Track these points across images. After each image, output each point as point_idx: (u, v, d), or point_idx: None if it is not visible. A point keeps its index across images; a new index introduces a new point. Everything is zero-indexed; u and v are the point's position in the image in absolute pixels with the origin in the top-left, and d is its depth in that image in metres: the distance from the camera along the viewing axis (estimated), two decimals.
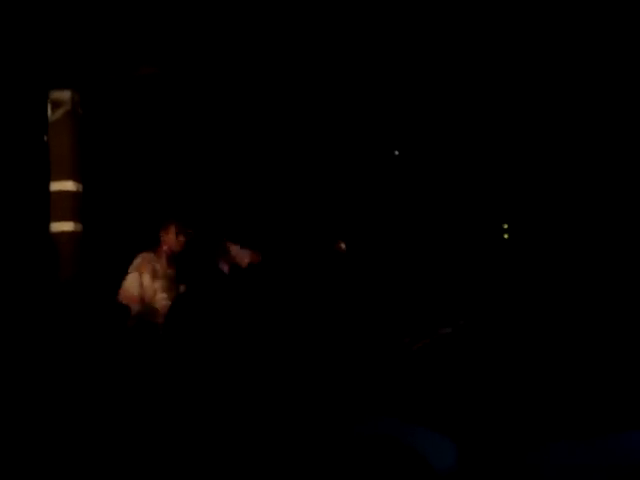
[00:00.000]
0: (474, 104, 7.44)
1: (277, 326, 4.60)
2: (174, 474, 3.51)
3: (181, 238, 5.29)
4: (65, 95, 5.91)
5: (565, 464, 3.51)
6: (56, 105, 5.89)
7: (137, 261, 5.21)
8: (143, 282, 5.17)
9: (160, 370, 3.93)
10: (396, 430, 3.73)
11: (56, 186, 5.82)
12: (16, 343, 4.38)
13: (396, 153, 8.07)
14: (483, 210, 9.04)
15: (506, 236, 9.32)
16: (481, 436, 3.65)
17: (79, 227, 5.85)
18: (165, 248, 5.28)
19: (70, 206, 5.82)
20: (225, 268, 5.04)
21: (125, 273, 5.17)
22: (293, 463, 3.69)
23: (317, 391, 4.09)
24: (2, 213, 6.30)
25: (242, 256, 5.21)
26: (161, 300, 5.15)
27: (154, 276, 5.21)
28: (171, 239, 5.28)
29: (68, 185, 5.82)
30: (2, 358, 4.27)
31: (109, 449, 3.55)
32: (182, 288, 5.14)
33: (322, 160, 7.86)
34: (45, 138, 5.94)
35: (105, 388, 4.08)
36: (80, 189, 5.89)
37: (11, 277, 5.14)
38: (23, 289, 5.00)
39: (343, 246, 6.14)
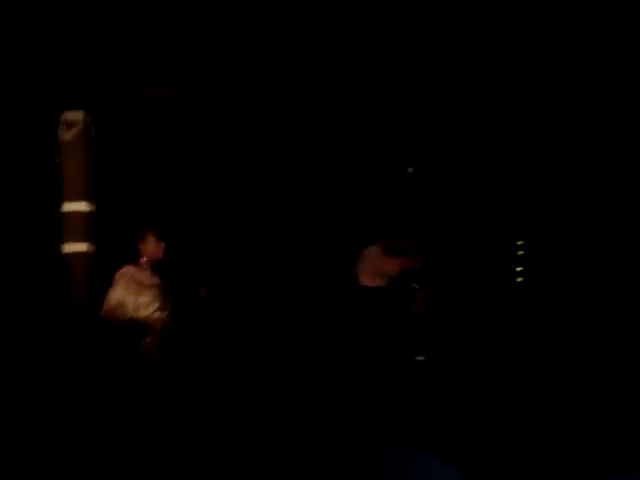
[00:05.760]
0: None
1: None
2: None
3: (162, 245, 5.12)
4: (77, 116, 5.91)
5: None
6: (68, 126, 5.89)
7: (118, 276, 5.03)
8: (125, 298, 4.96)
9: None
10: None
11: (69, 207, 5.82)
12: (26, 362, 4.32)
13: (410, 170, 8.00)
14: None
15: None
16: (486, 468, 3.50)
17: (92, 248, 5.83)
18: (145, 259, 5.10)
19: (83, 227, 5.81)
20: None
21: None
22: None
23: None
24: (15, 233, 6.27)
25: None
26: (153, 313, 4.95)
27: (139, 290, 5.01)
28: (151, 248, 5.12)
29: (81, 206, 5.80)
30: (10, 378, 4.20)
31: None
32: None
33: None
34: (58, 159, 5.92)
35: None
36: (93, 209, 5.87)
37: (24, 297, 5.09)
38: (36, 309, 4.95)
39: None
